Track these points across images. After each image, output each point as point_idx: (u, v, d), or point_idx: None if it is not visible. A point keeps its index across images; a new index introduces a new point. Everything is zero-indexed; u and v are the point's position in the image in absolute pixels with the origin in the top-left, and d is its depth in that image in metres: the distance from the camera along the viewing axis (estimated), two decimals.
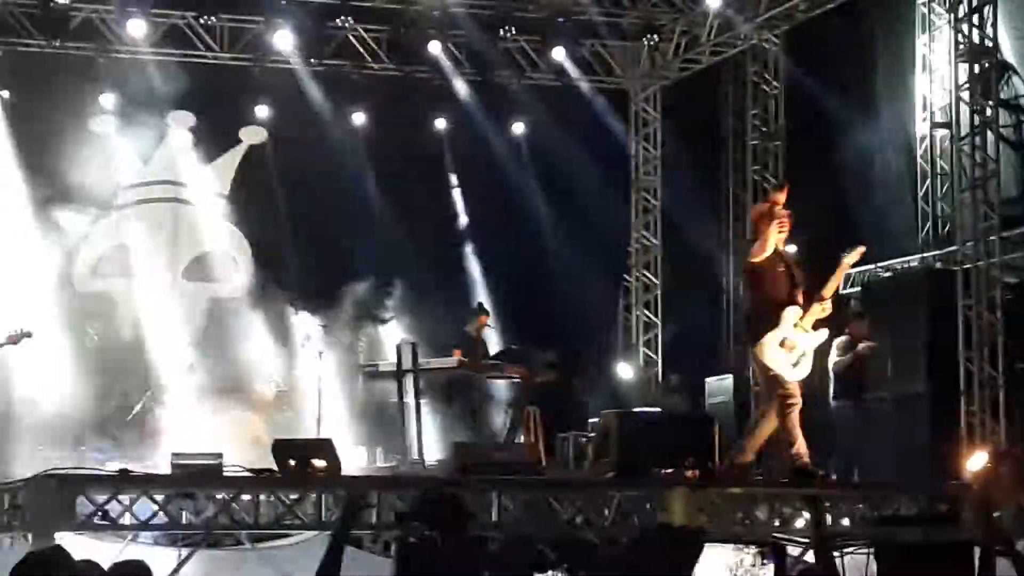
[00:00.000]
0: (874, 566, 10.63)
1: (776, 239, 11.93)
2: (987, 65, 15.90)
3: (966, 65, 15.89)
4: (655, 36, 19.76)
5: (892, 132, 19.12)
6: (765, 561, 10.20)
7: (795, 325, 11.92)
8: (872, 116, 19.16)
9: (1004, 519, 11.63)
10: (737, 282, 20.40)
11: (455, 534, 8.16)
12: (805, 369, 11.98)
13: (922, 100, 18.35)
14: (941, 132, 17.78)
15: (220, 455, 11.14)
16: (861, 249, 12.51)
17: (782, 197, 12.11)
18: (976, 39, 15.85)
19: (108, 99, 18.94)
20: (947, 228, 17.65)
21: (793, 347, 11.90)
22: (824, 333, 12.16)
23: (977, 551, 7.44)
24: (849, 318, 14.96)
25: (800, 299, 11.98)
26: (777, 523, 11.25)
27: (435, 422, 16.63)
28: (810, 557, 9.48)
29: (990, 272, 15.51)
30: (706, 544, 4.88)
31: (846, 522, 11.70)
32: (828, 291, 12.05)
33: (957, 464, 14.29)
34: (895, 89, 19.04)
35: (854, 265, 13.44)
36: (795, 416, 11.89)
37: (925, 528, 11.06)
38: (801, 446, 11.87)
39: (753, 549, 10.12)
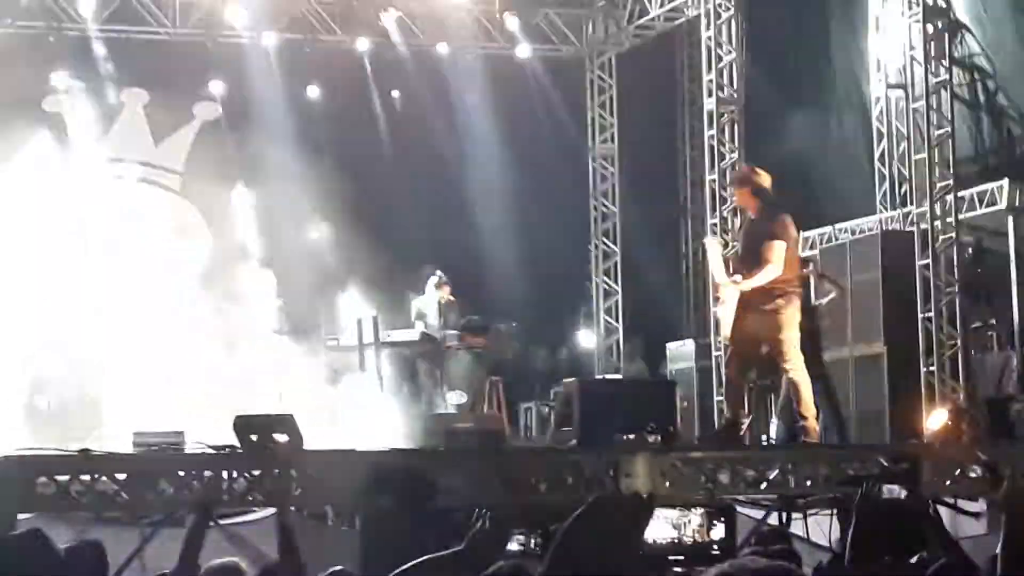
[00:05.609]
0: (837, 526, 10.67)
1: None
2: (940, 25, 15.93)
3: (919, 25, 15.91)
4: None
5: (847, 94, 19.16)
6: (714, 522, 10.22)
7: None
8: (827, 78, 19.19)
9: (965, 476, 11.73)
10: (696, 247, 20.54)
11: (419, 507, 8.17)
12: (725, 329, 12.38)
13: (876, 61, 18.36)
14: (896, 93, 17.81)
15: (181, 432, 11.08)
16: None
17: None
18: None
19: (60, 77, 18.73)
20: (903, 189, 17.71)
21: (722, 304, 12.44)
22: (725, 306, 12.29)
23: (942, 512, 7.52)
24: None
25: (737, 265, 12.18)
26: (741, 487, 11.27)
27: (397, 394, 16.64)
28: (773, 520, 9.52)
29: (947, 232, 15.58)
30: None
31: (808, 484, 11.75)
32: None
33: (917, 423, 14.41)
34: (849, 51, 19.07)
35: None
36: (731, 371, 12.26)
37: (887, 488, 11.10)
38: (733, 406, 12.11)
39: (700, 510, 10.16)
